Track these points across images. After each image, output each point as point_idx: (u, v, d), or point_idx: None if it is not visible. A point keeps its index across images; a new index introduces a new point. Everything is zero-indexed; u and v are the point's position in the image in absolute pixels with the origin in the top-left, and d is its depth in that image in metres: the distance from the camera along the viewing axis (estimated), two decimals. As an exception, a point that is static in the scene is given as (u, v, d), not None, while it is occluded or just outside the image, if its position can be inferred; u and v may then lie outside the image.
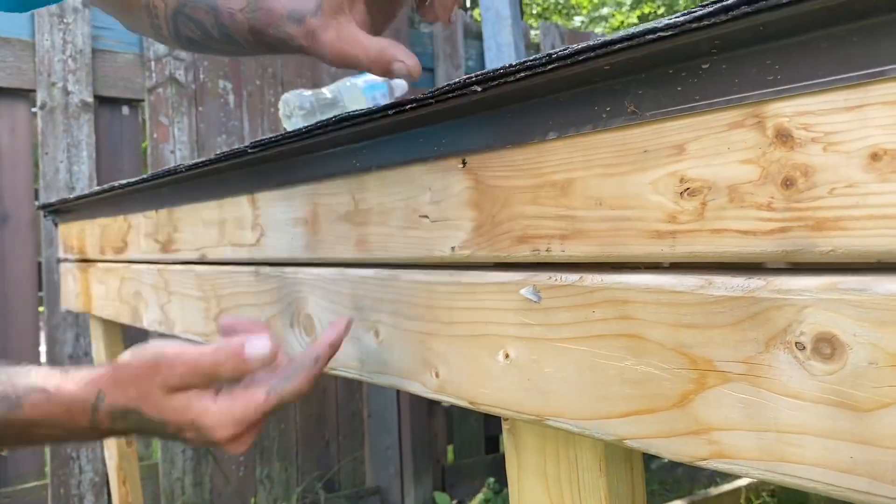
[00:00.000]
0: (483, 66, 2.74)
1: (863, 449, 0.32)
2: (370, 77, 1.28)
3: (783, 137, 0.34)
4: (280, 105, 1.24)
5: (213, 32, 0.65)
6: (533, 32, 3.27)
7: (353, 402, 2.38)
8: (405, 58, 0.54)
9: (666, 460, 2.82)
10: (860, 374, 0.31)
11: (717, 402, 0.37)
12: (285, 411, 2.23)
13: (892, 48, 0.30)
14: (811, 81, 0.33)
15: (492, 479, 2.46)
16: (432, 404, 2.43)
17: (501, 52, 2.65)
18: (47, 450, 1.92)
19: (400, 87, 1.30)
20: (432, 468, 2.38)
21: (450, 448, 2.52)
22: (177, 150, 2.09)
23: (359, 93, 1.25)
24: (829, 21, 0.31)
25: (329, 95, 1.24)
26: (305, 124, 1.24)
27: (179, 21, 0.68)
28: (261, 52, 0.66)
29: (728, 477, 2.56)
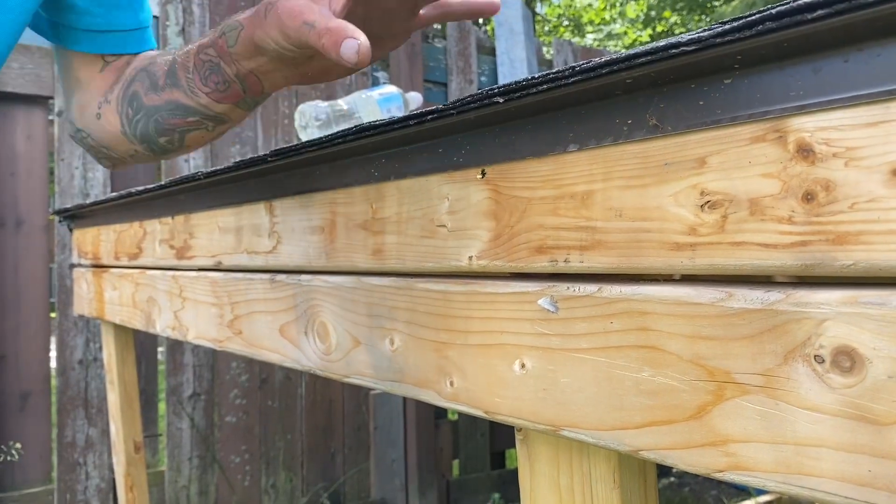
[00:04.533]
0: (496, 82, 2.76)
1: (882, 462, 0.32)
2: (386, 89, 1.29)
3: (804, 152, 0.34)
4: (296, 116, 1.25)
5: (195, 120, 0.66)
6: (545, 49, 3.28)
7: (360, 415, 2.38)
8: (361, 36, 0.50)
9: (673, 479, 2.80)
10: (880, 388, 0.32)
11: (734, 413, 0.37)
12: (292, 421, 2.23)
13: (914, 65, 0.30)
14: (833, 97, 0.33)
15: (497, 495, 2.45)
16: (438, 418, 2.42)
17: (514, 67, 2.66)
18: (54, 455, 1.93)
19: (415, 99, 1.31)
20: (437, 482, 2.38)
21: (455, 463, 2.52)
22: (190, 159, 2.10)
23: (374, 104, 1.26)
24: (850, 38, 0.32)
25: (345, 107, 1.25)
26: (321, 135, 1.25)
27: (150, 137, 0.69)
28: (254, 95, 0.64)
29: (735, 497, 2.54)
